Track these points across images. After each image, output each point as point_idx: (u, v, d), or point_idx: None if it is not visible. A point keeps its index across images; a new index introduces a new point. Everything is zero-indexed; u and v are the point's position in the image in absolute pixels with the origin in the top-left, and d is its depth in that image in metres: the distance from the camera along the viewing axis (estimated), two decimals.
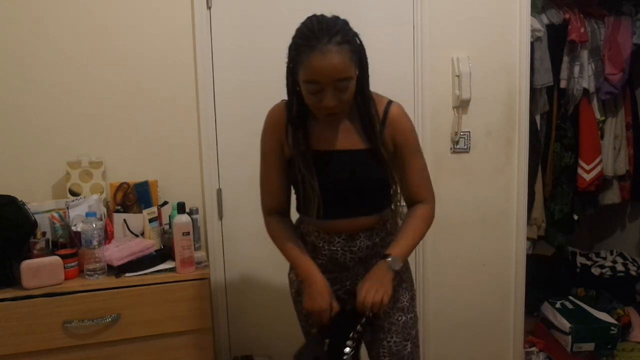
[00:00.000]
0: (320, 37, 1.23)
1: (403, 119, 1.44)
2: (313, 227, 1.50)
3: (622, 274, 2.80)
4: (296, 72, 1.30)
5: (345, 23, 1.29)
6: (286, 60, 1.34)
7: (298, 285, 1.56)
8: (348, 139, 1.42)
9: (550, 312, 2.60)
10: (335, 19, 1.28)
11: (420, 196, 1.49)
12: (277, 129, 1.44)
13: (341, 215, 1.45)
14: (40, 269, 1.57)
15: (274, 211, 1.51)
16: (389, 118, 1.42)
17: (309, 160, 1.40)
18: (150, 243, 1.77)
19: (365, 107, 1.39)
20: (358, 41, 1.32)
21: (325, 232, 1.48)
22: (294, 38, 1.29)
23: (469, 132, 2.30)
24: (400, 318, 1.51)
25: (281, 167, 1.48)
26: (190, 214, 1.78)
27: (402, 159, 1.46)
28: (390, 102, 1.44)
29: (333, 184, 1.42)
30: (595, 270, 2.85)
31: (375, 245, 1.49)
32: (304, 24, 1.29)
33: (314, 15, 1.29)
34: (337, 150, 1.42)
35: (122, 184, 1.88)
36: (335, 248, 1.48)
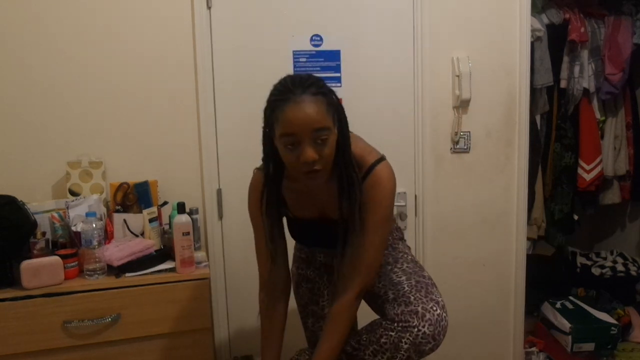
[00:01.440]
0: (293, 89, 1.19)
1: (381, 186, 1.29)
2: None
3: (622, 274, 2.80)
4: (272, 132, 1.24)
5: (319, 79, 1.24)
6: (264, 122, 1.28)
7: (298, 278, 1.62)
8: (325, 206, 1.37)
9: (550, 312, 2.60)
10: (309, 75, 1.24)
11: (348, 277, 1.33)
12: (260, 198, 1.39)
13: (330, 248, 1.43)
14: (40, 269, 1.56)
15: (266, 284, 1.48)
16: (368, 180, 1.29)
17: (281, 227, 1.44)
18: (150, 243, 1.77)
19: (346, 172, 1.27)
20: (335, 98, 1.25)
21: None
22: (268, 97, 1.24)
23: (469, 132, 2.30)
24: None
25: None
26: (190, 214, 1.78)
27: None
28: (378, 161, 1.31)
29: (314, 244, 1.53)
30: (596, 270, 2.85)
31: None
32: (277, 82, 1.25)
33: (288, 75, 1.26)
34: (313, 221, 1.41)
35: (122, 184, 1.88)
36: (330, 257, 1.54)
